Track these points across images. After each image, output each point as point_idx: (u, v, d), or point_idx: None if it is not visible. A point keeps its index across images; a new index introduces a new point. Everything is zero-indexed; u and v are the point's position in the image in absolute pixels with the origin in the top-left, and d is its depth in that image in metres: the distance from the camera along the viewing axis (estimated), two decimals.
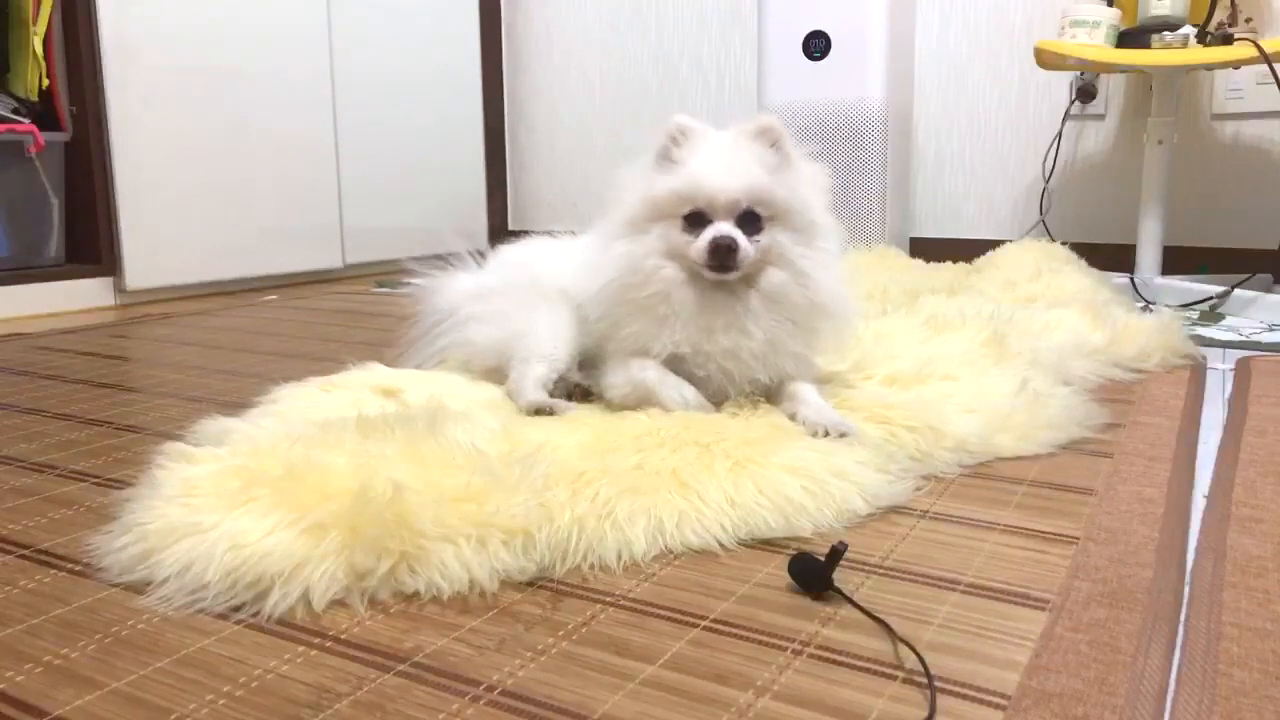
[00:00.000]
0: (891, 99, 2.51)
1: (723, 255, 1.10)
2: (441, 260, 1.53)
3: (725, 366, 1.15)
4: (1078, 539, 0.89)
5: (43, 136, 2.26)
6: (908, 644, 0.69)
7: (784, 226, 1.14)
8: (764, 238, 1.13)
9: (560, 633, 0.73)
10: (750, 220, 1.13)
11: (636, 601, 0.78)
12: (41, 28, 2.24)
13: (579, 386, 1.26)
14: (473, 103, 3.39)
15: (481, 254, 1.51)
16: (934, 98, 2.84)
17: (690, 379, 1.16)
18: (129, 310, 2.37)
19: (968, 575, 0.82)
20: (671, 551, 0.87)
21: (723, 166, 1.12)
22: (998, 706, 0.62)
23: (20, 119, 2.25)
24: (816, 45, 2.51)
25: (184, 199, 2.51)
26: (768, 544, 0.89)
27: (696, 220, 1.13)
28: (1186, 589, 0.79)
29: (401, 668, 0.68)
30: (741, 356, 1.14)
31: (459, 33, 3.32)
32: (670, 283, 1.14)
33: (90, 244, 2.39)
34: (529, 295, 1.34)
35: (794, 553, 0.81)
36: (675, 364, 1.17)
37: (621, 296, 1.17)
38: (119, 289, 2.42)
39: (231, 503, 0.83)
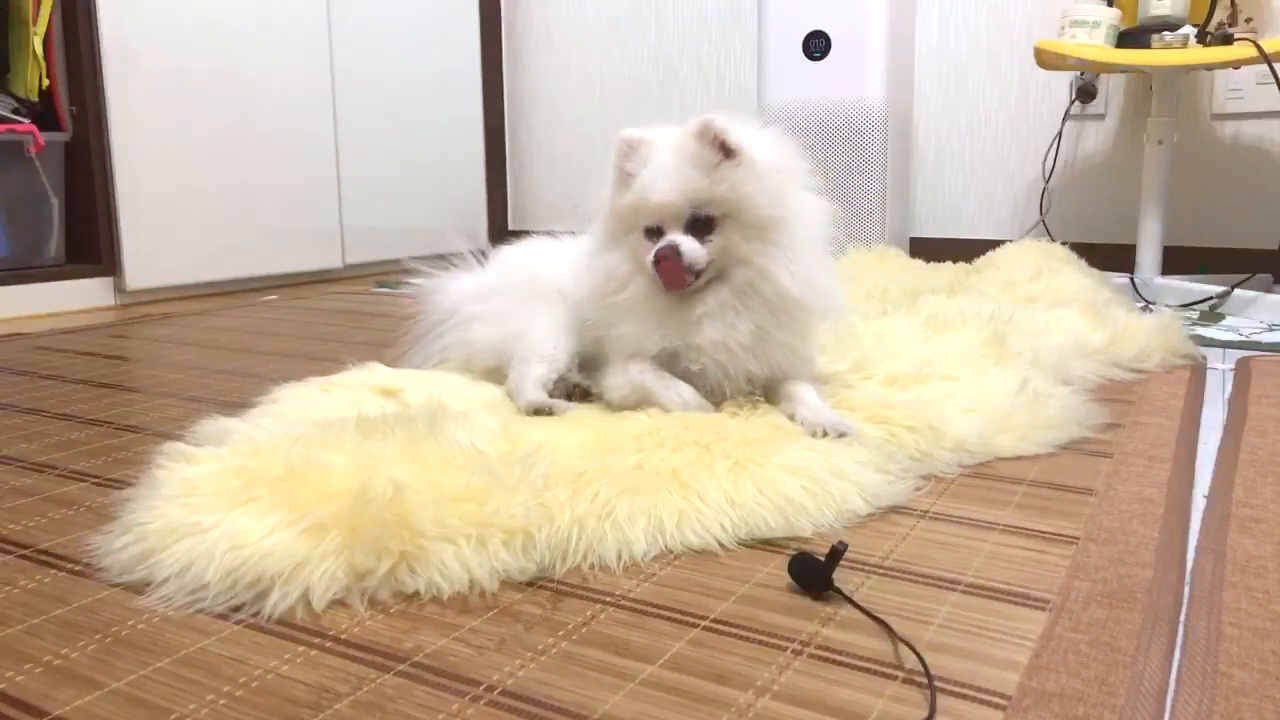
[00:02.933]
0: (891, 99, 2.51)
1: (667, 271, 1.11)
2: (442, 260, 1.53)
3: (717, 359, 1.15)
4: (1078, 539, 0.89)
5: (43, 136, 2.26)
6: (908, 644, 0.69)
7: (735, 224, 1.13)
8: (717, 238, 1.13)
9: (560, 633, 0.73)
10: (702, 224, 1.13)
11: (636, 601, 0.78)
12: (41, 28, 2.24)
13: (579, 386, 1.26)
14: (473, 103, 3.39)
15: (484, 253, 1.51)
16: (934, 98, 2.84)
17: (686, 376, 1.17)
18: (129, 310, 2.37)
19: (968, 575, 0.82)
20: (671, 551, 0.87)
21: (663, 179, 1.13)
22: (998, 706, 0.62)
23: (20, 119, 2.25)
24: (816, 45, 2.51)
25: (184, 199, 2.51)
26: (768, 544, 0.89)
27: (653, 233, 1.15)
28: (1186, 589, 0.79)
29: (401, 668, 0.68)
30: (731, 347, 1.14)
31: (459, 33, 3.32)
32: (643, 287, 1.17)
33: (90, 244, 2.39)
34: (529, 295, 1.34)
35: (794, 553, 0.81)
36: (670, 362, 1.17)
37: (603, 304, 1.21)
38: (119, 289, 2.42)
39: (231, 503, 0.83)
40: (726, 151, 1.12)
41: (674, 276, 1.13)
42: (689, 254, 1.11)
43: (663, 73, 3.26)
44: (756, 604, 0.77)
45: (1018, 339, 1.48)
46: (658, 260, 1.12)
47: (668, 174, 1.13)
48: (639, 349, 1.17)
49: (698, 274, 1.13)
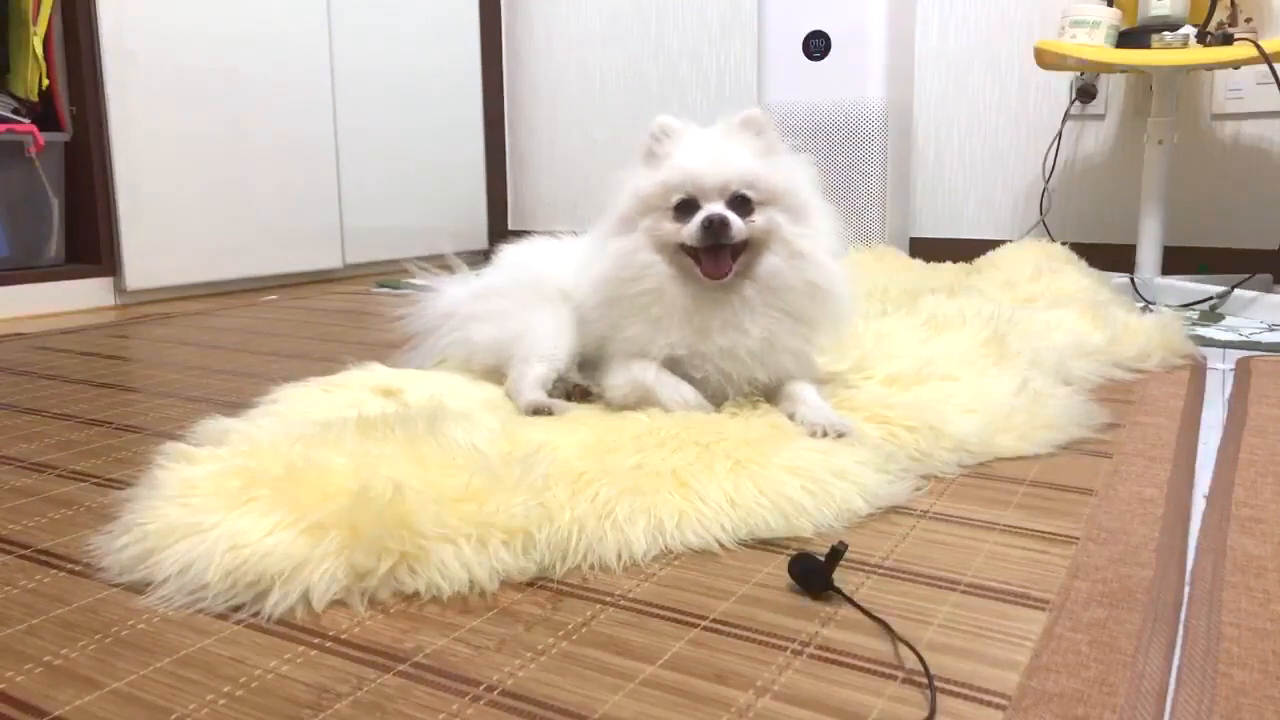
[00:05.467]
0: (891, 99, 2.51)
1: (719, 230, 1.10)
2: (442, 262, 1.53)
3: (722, 367, 1.15)
4: (1078, 539, 0.89)
5: (43, 136, 2.26)
6: (908, 644, 0.69)
7: (778, 208, 1.15)
8: (759, 217, 1.14)
9: (560, 633, 0.73)
10: (741, 204, 1.13)
11: (636, 601, 0.78)
12: (41, 28, 2.24)
13: (579, 386, 1.26)
14: (473, 103, 3.40)
15: (486, 255, 1.51)
16: (934, 97, 2.84)
17: (688, 380, 1.16)
18: (129, 310, 2.37)
19: (968, 575, 0.82)
20: (671, 551, 0.87)
21: (709, 153, 1.14)
22: (998, 706, 0.62)
23: (20, 119, 2.25)
24: (816, 45, 2.51)
25: (184, 199, 2.51)
26: (768, 544, 0.89)
27: (686, 208, 1.14)
28: (1186, 589, 0.79)
29: (401, 668, 0.68)
30: (739, 356, 1.14)
31: (459, 33, 3.33)
32: (661, 279, 1.15)
33: (90, 244, 2.39)
34: (529, 295, 1.34)
35: (794, 553, 0.81)
36: (674, 364, 1.17)
37: (614, 294, 1.18)
38: (119, 289, 2.42)
39: (231, 503, 0.83)
40: (768, 143, 1.16)
41: (719, 262, 1.12)
42: (736, 224, 1.11)
43: (663, 73, 3.26)
44: (756, 604, 0.77)
45: (1018, 339, 1.48)
46: (708, 223, 1.10)
47: (716, 151, 1.14)
48: (644, 352, 1.17)
49: (734, 257, 1.13)
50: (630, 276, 1.16)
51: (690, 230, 1.12)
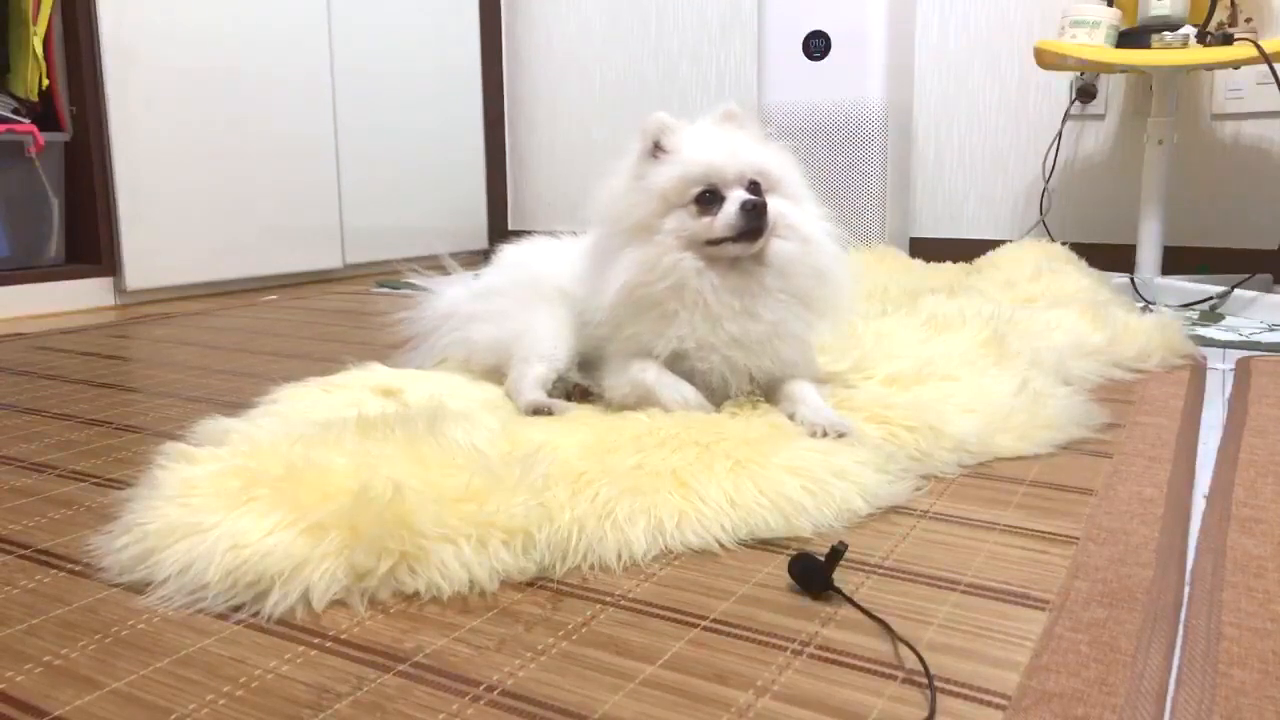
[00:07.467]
0: (891, 99, 2.51)
1: (759, 214, 1.11)
2: (438, 262, 1.54)
3: (729, 355, 1.14)
4: (1078, 539, 0.89)
5: (43, 136, 2.26)
6: (908, 644, 0.69)
7: (778, 194, 1.17)
8: (769, 203, 1.15)
9: (560, 633, 0.73)
10: (756, 191, 1.15)
11: (636, 601, 0.78)
12: (41, 28, 2.24)
13: (579, 386, 1.26)
14: (473, 103, 3.40)
15: (486, 255, 1.51)
16: (934, 97, 2.84)
17: (691, 374, 1.16)
18: (129, 310, 2.37)
19: (968, 575, 0.82)
20: (671, 551, 0.87)
21: (722, 143, 1.15)
22: (998, 706, 0.62)
23: (20, 119, 2.25)
24: (816, 45, 2.51)
25: (184, 199, 2.51)
26: (768, 544, 0.89)
27: (709, 199, 1.13)
28: (1186, 589, 0.79)
29: (401, 668, 0.68)
30: (747, 344, 1.14)
31: (459, 33, 3.33)
32: (687, 273, 1.13)
33: (90, 244, 2.39)
34: (529, 295, 1.34)
35: (794, 553, 0.81)
36: (676, 362, 1.16)
37: (632, 297, 1.15)
38: (119, 289, 2.42)
39: (231, 503, 0.83)
40: (755, 133, 1.18)
41: (760, 218, 1.13)
42: (770, 207, 1.13)
43: (663, 73, 3.26)
44: (756, 604, 0.77)
45: (1018, 339, 1.48)
46: (751, 206, 1.10)
47: (726, 140, 1.15)
48: (647, 350, 1.16)
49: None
50: (655, 279, 1.13)
51: (726, 219, 1.11)
